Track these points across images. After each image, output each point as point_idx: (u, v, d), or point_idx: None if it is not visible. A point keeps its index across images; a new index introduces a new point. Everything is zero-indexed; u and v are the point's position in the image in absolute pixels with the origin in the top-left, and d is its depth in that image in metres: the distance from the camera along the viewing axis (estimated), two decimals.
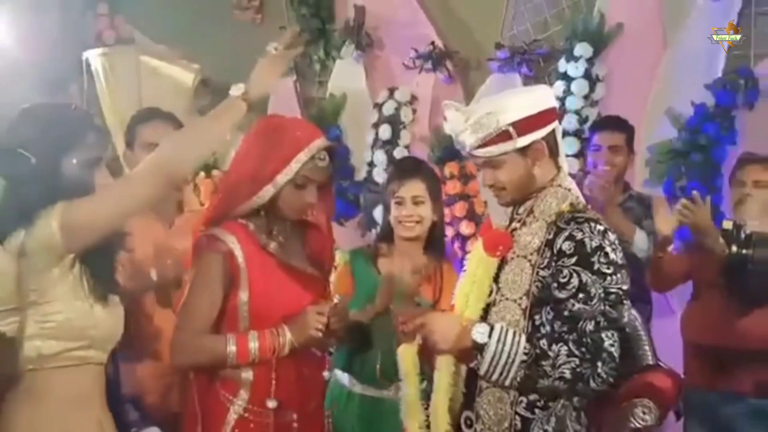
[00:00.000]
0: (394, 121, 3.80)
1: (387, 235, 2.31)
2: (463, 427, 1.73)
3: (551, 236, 1.61)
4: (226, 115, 1.66)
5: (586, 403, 1.67)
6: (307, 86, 4.18)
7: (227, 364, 1.77)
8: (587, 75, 3.43)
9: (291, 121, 1.96)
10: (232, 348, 1.76)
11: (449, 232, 3.69)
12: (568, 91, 3.46)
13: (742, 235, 1.36)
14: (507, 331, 1.59)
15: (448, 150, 3.54)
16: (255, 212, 1.84)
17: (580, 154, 3.41)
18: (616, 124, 2.93)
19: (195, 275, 1.81)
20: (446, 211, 3.63)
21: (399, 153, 3.75)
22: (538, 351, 1.56)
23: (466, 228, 3.60)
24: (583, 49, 3.41)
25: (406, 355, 1.88)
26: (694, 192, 2.38)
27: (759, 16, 3.17)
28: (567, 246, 1.58)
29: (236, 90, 1.68)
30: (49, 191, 1.55)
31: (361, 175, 3.87)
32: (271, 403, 1.78)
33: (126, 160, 2.42)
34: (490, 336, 1.58)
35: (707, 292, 2.54)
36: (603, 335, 1.55)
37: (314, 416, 1.91)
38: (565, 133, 3.43)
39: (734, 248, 1.36)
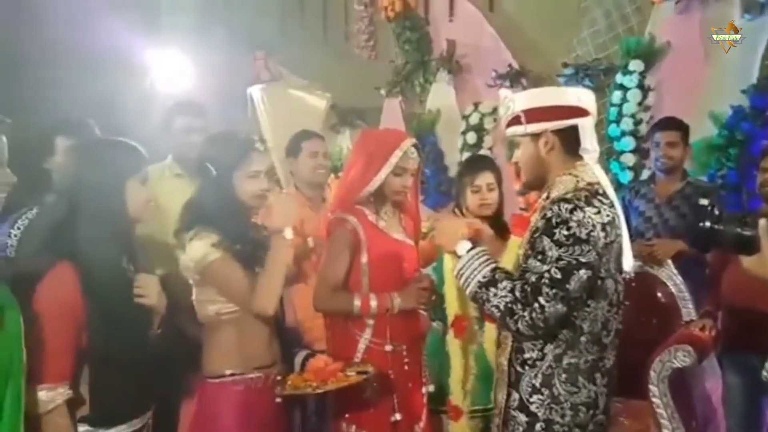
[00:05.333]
0: (479, 129, 3.91)
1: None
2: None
3: (539, 217, 1.52)
4: (281, 257, 1.78)
5: (586, 367, 1.50)
6: (410, 104, 4.31)
7: (353, 314, 1.95)
8: (640, 85, 3.44)
9: (384, 131, 2.16)
10: (357, 303, 1.94)
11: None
12: (624, 99, 3.48)
13: (716, 213, 1.29)
14: (482, 255, 1.53)
15: None
16: (366, 199, 2.01)
17: (636, 151, 3.44)
18: (672, 123, 2.91)
19: (330, 246, 2.00)
20: (521, 200, 3.65)
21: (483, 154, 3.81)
22: (492, 279, 1.49)
23: None
24: (636, 65, 3.44)
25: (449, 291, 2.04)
26: None
27: None
28: (541, 223, 1.48)
29: (288, 233, 1.77)
30: (223, 196, 1.76)
31: (452, 172, 3.93)
32: (388, 347, 1.97)
33: (290, 165, 2.71)
34: (468, 252, 1.54)
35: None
36: (543, 289, 1.43)
37: (417, 347, 2.09)
38: (622, 133, 3.49)
39: (708, 223, 1.28)
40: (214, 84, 4.30)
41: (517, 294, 1.45)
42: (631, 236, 2.88)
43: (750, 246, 1.20)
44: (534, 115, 1.56)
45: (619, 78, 3.50)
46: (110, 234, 1.59)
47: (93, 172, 1.60)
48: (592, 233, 1.44)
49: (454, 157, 3.98)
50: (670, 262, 2.67)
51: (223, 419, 1.75)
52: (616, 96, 3.50)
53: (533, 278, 1.45)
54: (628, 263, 1.54)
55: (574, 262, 1.43)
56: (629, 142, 3.45)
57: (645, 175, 3.31)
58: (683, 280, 2.67)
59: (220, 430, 1.75)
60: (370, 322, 1.98)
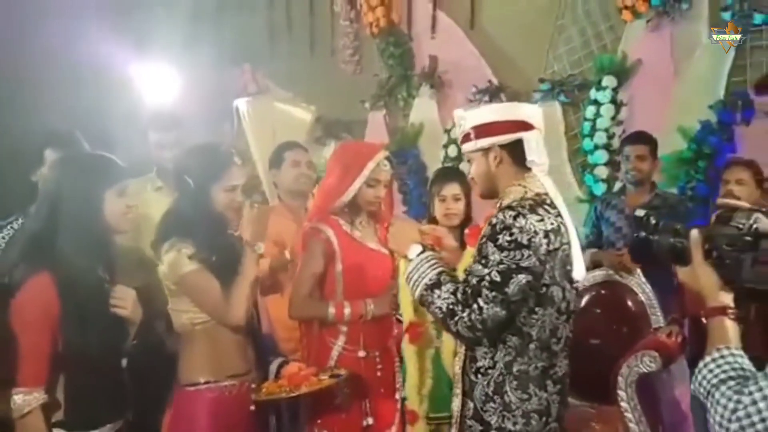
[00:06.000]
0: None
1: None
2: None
3: (487, 225, 1.55)
4: (249, 270, 1.81)
5: (537, 374, 1.52)
6: (394, 118, 4.35)
7: (328, 321, 2.01)
8: (613, 101, 3.51)
9: (359, 143, 2.22)
10: (332, 310, 1.99)
11: None
12: (598, 114, 3.55)
13: (652, 222, 1.25)
14: (431, 259, 1.57)
15: None
16: (341, 210, 2.05)
17: (608, 164, 3.51)
18: (641, 137, 3.00)
19: (305, 255, 2.06)
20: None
21: (463, 167, 3.79)
22: (437, 282, 1.52)
23: None
24: (609, 81, 3.50)
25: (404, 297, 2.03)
26: None
27: (753, 48, 3.17)
28: (487, 230, 1.51)
29: (259, 248, 1.83)
30: (200, 208, 1.78)
31: None
32: (362, 353, 2.01)
33: (273, 177, 2.72)
34: (418, 255, 1.57)
35: None
36: (483, 292, 1.45)
37: (390, 354, 2.14)
38: (596, 147, 3.56)
39: (642, 233, 1.25)
40: (202, 96, 4.35)
41: (459, 296, 1.47)
42: (601, 246, 3.04)
43: (682, 257, 1.17)
44: (482, 131, 1.59)
45: (593, 93, 3.58)
46: (87, 244, 1.63)
47: (71, 184, 1.64)
48: (533, 239, 1.46)
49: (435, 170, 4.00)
50: (639, 271, 2.73)
51: (198, 426, 1.77)
52: (590, 111, 3.58)
53: (474, 281, 1.47)
54: (579, 273, 1.56)
55: (514, 266, 1.45)
56: (602, 156, 3.53)
57: (617, 187, 3.37)
58: (651, 288, 2.74)
59: None
60: (344, 329, 2.02)
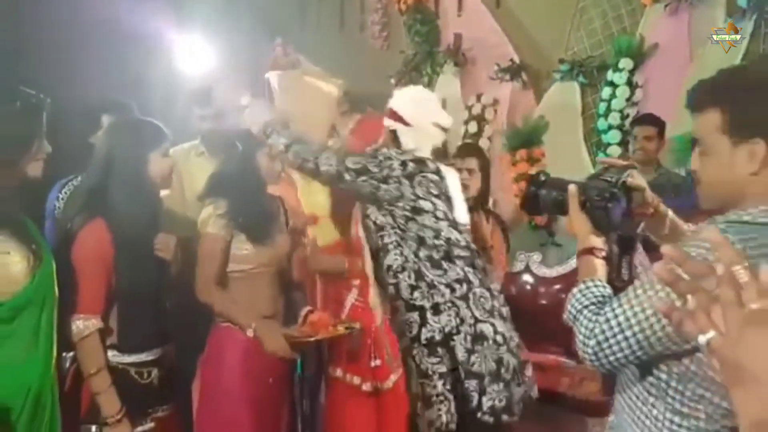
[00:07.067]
0: (480, 119, 4.10)
1: None
2: None
3: None
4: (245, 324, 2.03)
5: (439, 257, 1.88)
6: None
7: (344, 274, 2.31)
8: (629, 82, 3.60)
9: (374, 118, 2.33)
10: (346, 265, 2.30)
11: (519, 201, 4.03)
12: (613, 95, 3.65)
13: (541, 179, 1.38)
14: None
15: (519, 140, 3.82)
16: None
17: (621, 143, 3.60)
18: (650, 119, 3.15)
19: None
20: (515, 186, 3.87)
21: (483, 143, 4.06)
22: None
23: None
24: (626, 63, 3.60)
25: None
26: None
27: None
28: None
29: (249, 333, 2.01)
30: (246, 169, 2.03)
31: None
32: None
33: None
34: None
35: None
36: (345, 164, 1.92)
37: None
38: (609, 127, 3.65)
39: (532, 189, 1.38)
40: (236, 70, 4.49)
41: (323, 159, 1.92)
42: None
43: (562, 207, 1.34)
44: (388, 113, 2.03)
45: (609, 75, 3.67)
46: (134, 196, 1.86)
47: (121, 145, 1.89)
48: (383, 162, 1.89)
49: (457, 145, 4.09)
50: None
51: (227, 358, 2.05)
52: (606, 92, 3.68)
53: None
54: (462, 218, 1.96)
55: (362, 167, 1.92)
56: (615, 136, 3.64)
57: None
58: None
59: (224, 368, 2.05)
60: (356, 282, 2.29)
